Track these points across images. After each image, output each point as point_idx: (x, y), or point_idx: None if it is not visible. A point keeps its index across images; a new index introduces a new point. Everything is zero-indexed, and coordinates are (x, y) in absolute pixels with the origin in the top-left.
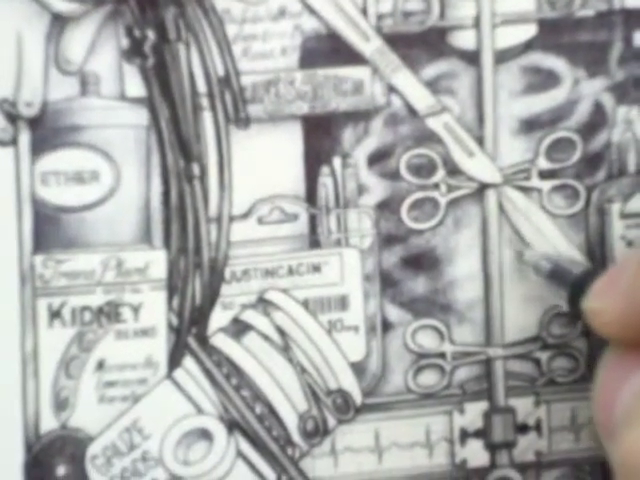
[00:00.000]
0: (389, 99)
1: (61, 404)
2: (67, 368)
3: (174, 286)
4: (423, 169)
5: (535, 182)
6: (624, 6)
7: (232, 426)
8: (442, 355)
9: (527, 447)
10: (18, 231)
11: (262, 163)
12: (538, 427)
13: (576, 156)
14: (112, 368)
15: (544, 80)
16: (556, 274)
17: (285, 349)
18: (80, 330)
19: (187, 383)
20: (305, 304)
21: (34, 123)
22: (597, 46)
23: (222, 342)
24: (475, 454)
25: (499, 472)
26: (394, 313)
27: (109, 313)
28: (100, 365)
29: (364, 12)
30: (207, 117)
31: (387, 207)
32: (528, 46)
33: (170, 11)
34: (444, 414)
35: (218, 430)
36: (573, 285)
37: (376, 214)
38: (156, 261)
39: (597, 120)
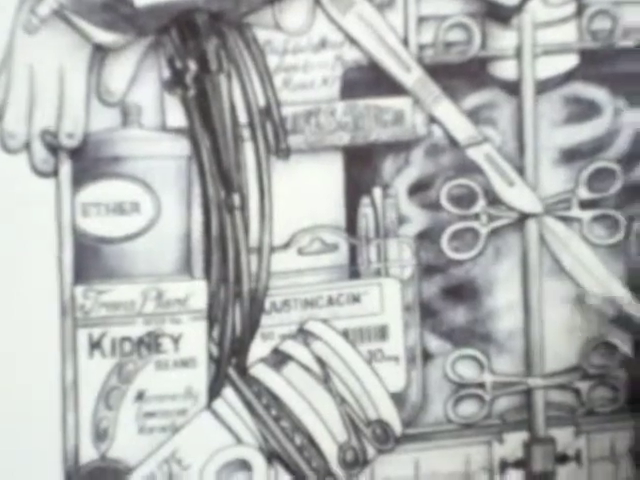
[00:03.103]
0: (430, 129)
1: (101, 435)
2: (107, 399)
3: (214, 317)
4: (464, 199)
5: (576, 212)
6: None
7: (272, 457)
8: (482, 385)
9: (567, 477)
10: (59, 262)
11: (303, 194)
12: (578, 457)
13: (616, 186)
14: (152, 399)
15: (585, 110)
16: (620, 320)
17: (325, 380)
18: (120, 361)
19: (227, 414)
20: (345, 334)
21: (75, 154)
22: (638, 76)
23: (262, 373)
24: None
25: None
26: (434, 343)
27: (149, 344)
28: (140, 396)
29: (405, 42)
30: (248, 147)
31: (427, 237)
32: (569, 76)
33: (212, 42)
34: (484, 444)
35: (258, 461)
36: (639, 331)
37: (416, 244)
38: (196, 292)
39: (638, 150)
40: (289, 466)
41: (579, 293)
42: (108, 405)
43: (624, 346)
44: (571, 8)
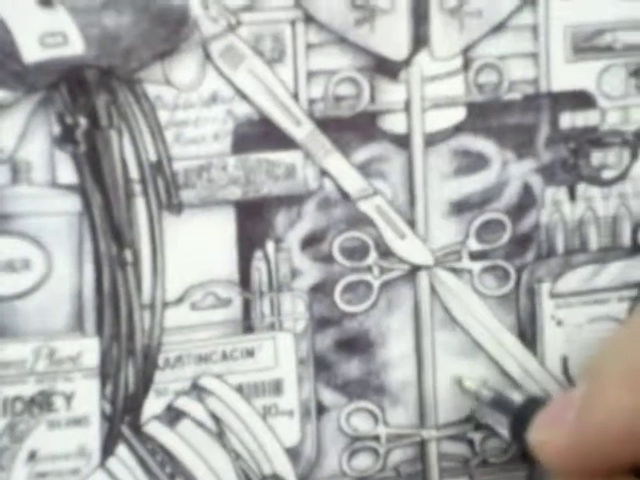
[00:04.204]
0: (321, 183)
1: None
2: None
3: (107, 374)
4: (356, 252)
5: (466, 263)
6: (550, 90)
7: None
8: (376, 438)
9: None
10: None
11: (195, 248)
12: None
13: (506, 237)
14: (44, 458)
15: (473, 162)
16: (497, 403)
17: (219, 435)
18: (11, 421)
19: (121, 472)
20: (239, 389)
21: None
22: (524, 129)
23: (156, 430)
24: None
25: None
26: (328, 396)
27: (41, 403)
28: (32, 456)
29: (295, 97)
30: (140, 203)
31: (320, 290)
32: (457, 129)
33: (102, 98)
34: None
35: None
36: (516, 414)
37: (309, 297)
38: (89, 349)
39: (526, 201)
40: None
41: (456, 377)
42: None
43: (502, 429)
44: (458, 62)
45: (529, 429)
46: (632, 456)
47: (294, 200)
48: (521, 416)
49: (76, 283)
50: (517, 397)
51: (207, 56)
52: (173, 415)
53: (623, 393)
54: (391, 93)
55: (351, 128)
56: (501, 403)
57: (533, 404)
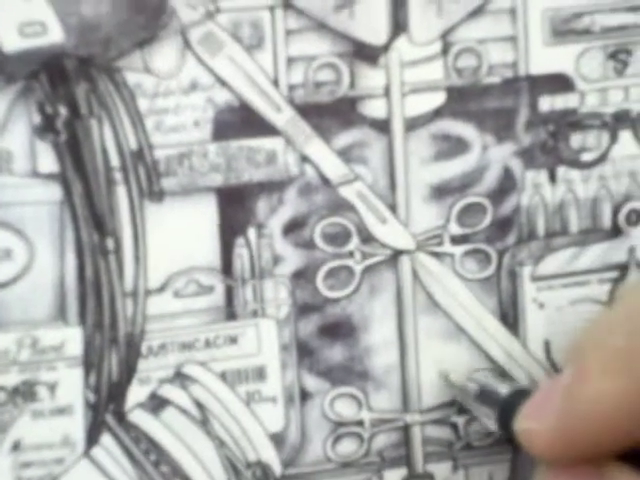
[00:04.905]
0: (302, 169)
1: None
2: None
3: (90, 363)
4: (337, 237)
5: (447, 247)
6: (529, 73)
7: None
8: (360, 423)
9: None
10: None
11: (177, 236)
12: None
13: (487, 221)
14: (28, 448)
15: (454, 146)
16: (484, 396)
17: (204, 423)
18: None
19: (105, 461)
20: (223, 376)
21: None
22: (504, 112)
23: (140, 418)
24: None
25: None
26: (312, 382)
27: (24, 393)
28: (16, 446)
29: (275, 83)
30: (121, 191)
31: (303, 276)
32: (437, 113)
33: (81, 86)
34: None
35: None
36: (502, 406)
37: (292, 284)
38: (71, 338)
39: (506, 185)
40: None
41: (441, 371)
42: None
43: (489, 421)
44: (437, 47)
45: (515, 419)
46: (619, 442)
47: (275, 186)
48: (508, 408)
49: (58, 272)
50: (503, 389)
51: (186, 43)
52: (157, 403)
53: (607, 378)
54: (371, 78)
55: (331, 114)
56: (487, 396)
57: (519, 395)
